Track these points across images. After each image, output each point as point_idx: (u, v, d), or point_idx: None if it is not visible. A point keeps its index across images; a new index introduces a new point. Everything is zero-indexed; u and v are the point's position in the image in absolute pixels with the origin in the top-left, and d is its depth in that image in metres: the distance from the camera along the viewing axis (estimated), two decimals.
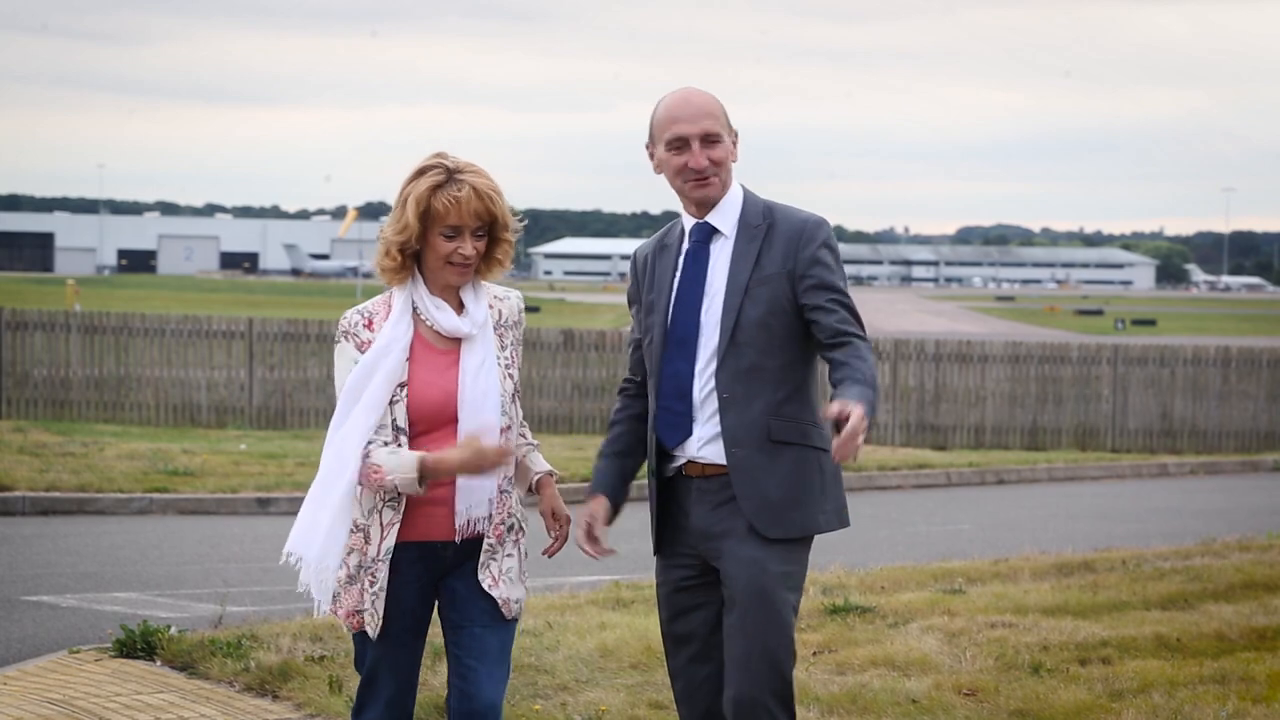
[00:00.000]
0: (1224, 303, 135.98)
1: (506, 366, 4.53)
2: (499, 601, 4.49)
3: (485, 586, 4.48)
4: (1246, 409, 24.97)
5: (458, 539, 4.47)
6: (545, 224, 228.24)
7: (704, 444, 4.52)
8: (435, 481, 4.40)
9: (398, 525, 4.42)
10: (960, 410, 24.34)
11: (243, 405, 22.46)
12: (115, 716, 6.68)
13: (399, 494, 4.41)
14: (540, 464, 4.65)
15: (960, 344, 24.87)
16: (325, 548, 4.39)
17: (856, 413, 4.05)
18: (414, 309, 4.49)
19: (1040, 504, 17.04)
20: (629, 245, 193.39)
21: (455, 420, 4.42)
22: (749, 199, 4.62)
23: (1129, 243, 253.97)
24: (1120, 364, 24.79)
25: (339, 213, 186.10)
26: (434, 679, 6.67)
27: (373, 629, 4.44)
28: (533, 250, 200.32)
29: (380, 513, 4.43)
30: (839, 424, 4.08)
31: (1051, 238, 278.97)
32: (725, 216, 4.59)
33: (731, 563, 4.46)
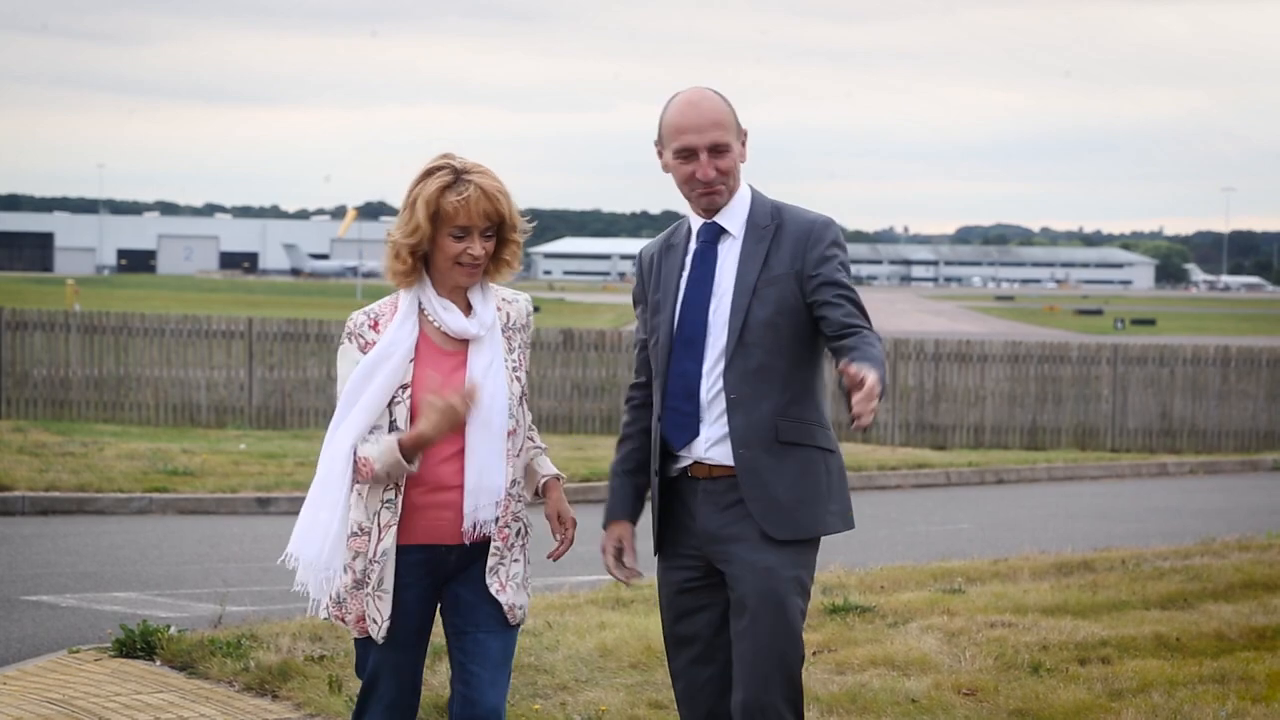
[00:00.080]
0: (1223, 302, 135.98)
1: (514, 369, 4.51)
2: (505, 608, 4.48)
3: (493, 591, 4.46)
4: (1246, 409, 24.97)
5: (466, 542, 4.46)
6: (545, 224, 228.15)
7: (711, 445, 4.51)
8: (440, 484, 4.40)
9: (394, 526, 4.40)
10: (960, 410, 24.34)
11: (242, 405, 22.46)
12: (115, 716, 6.68)
13: (396, 494, 4.40)
14: (548, 467, 4.63)
15: (960, 344, 24.87)
16: (323, 547, 4.38)
17: (872, 375, 4.04)
18: (421, 310, 4.47)
19: (1040, 504, 17.03)
20: (629, 245, 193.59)
21: (462, 422, 4.41)
22: (757, 199, 4.60)
23: (1128, 242, 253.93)
24: (1120, 364, 24.79)
25: (339, 213, 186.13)
26: (433, 679, 6.66)
27: (376, 632, 4.43)
28: (532, 250, 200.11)
29: (379, 514, 4.42)
30: (852, 387, 4.04)
31: (1051, 237, 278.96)
32: (733, 217, 4.58)
33: (742, 568, 4.44)
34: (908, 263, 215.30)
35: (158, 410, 22.20)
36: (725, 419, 4.48)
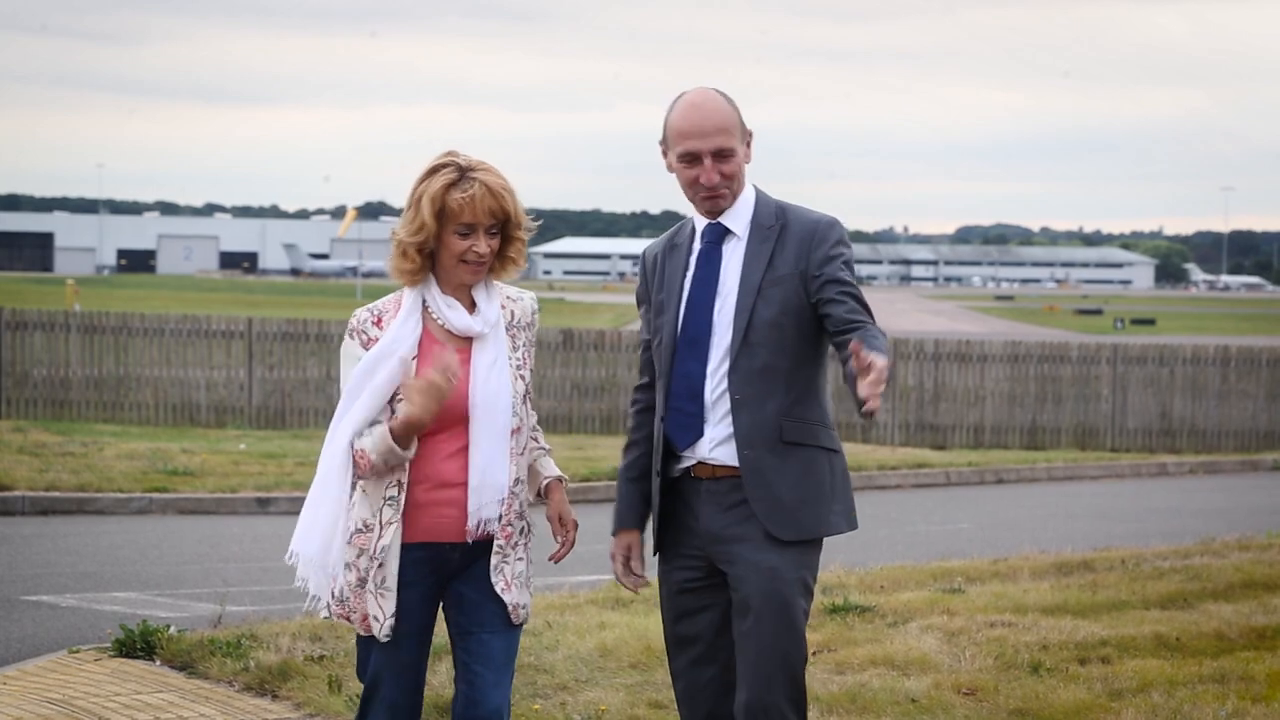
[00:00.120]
0: (1223, 302, 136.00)
1: (518, 367, 4.51)
2: (509, 607, 4.47)
3: (498, 590, 4.45)
4: (1246, 408, 24.97)
5: (469, 540, 4.45)
6: (545, 224, 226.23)
7: (716, 445, 4.50)
8: (443, 481, 4.39)
9: (396, 524, 4.39)
10: (959, 410, 24.34)
11: (242, 405, 22.46)
12: (115, 716, 6.68)
13: (399, 491, 4.39)
14: (551, 469, 4.62)
15: (959, 343, 24.87)
16: (324, 543, 4.38)
17: (881, 360, 4.03)
18: (424, 307, 4.47)
19: (1039, 503, 17.04)
20: (628, 245, 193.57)
21: (465, 419, 4.39)
22: (761, 199, 4.60)
23: (1128, 242, 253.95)
24: (1119, 363, 24.79)
25: (338, 212, 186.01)
26: (433, 678, 6.66)
27: (379, 630, 4.41)
28: (532, 250, 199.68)
29: (381, 511, 4.42)
30: (861, 372, 4.02)
31: (1051, 237, 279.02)
32: (738, 217, 4.57)
33: (745, 568, 4.44)
34: (907, 262, 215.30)
35: (157, 410, 22.20)
36: (730, 419, 4.47)
